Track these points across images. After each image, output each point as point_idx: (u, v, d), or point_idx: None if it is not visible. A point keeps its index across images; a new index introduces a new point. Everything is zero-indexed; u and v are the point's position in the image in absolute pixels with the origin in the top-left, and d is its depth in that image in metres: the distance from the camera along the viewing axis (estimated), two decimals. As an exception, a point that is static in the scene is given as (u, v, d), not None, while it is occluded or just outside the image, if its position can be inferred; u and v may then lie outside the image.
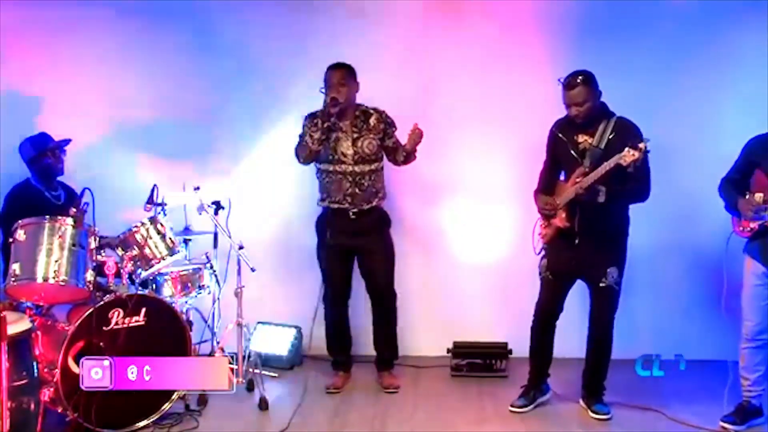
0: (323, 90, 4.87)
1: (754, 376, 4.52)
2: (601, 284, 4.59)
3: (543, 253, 4.75)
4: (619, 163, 4.31)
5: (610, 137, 4.48)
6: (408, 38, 5.66)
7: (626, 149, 4.29)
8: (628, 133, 4.46)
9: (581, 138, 4.55)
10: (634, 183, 4.46)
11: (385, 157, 5.04)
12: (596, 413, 4.70)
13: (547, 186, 4.71)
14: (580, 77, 4.47)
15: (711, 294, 5.40)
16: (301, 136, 4.94)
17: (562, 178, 4.71)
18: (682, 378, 5.28)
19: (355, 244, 5.03)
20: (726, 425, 4.51)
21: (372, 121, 4.98)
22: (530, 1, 5.62)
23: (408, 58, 5.66)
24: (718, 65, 5.50)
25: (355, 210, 4.95)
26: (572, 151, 4.56)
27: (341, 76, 4.88)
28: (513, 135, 5.51)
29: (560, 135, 4.63)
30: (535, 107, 5.28)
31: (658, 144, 5.51)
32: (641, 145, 4.30)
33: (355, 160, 4.92)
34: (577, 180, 4.47)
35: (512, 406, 4.78)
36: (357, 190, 4.94)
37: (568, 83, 4.48)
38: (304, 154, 4.91)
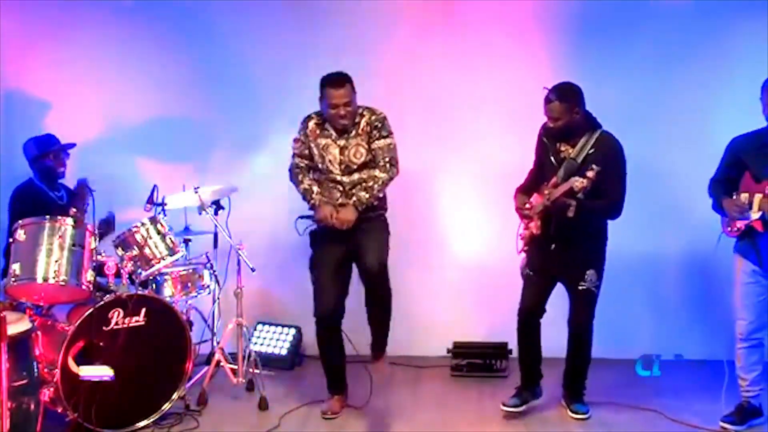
0: (323, 105, 4.58)
1: (752, 376, 4.51)
2: (579, 287, 4.57)
3: (524, 253, 4.75)
4: (571, 187, 4.31)
5: (590, 152, 4.46)
6: (407, 40, 5.67)
7: (568, 174, 4.34)
8: (607, 151, 4.45)
9: (563, 147, 4.55)
10: (606, 201, 4.46)
11: None
12: (575, 413, 4.72)
13: (530, 186, 4.70)
14: (556, 93, 4.44)
15: (707, 294, 5.41)
16: (294, 146, 4.75)
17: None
18: (682, 378, 5.30)
19: (350, 245, 4.63)
20: (726, 425, 4.51)
21: (362, 123, 4.62)
22: (529, 1, 5.63)
23: (407, 60, 5.67)
24: (717, 65, 5.51)
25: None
26: (552, 158, 4.56)
27: (346, 94, 4.53)
28: (513, 135, 5.51)
29: (545, 140, 4.63)
30: (534, 107, 5.27)
31: (656, 143, 5.56)
32: (590, 174, 4.28)
33: (342, 170, 4.62)
34: (546, 192, 4.46)
35: (504, 405, 4.74)
36: (348, 201, 4.60)
37: (547, 96, 4.46)
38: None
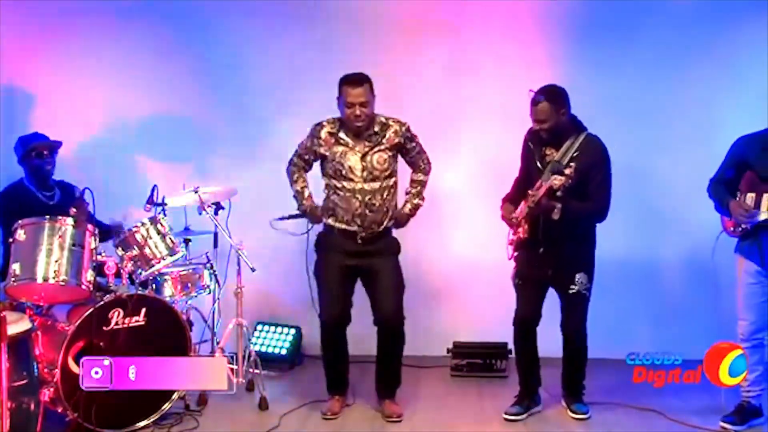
0: (340, 103, 4.57)
1: (752, 377, 4.50)
2: (570, 291, 4.56)
3: (514, 260, 4.73)
4: (550, 186, 4.31)
5: (574, 154, 4.44)
6: (406, 41, 5.67)
7: (553, 174, 4.32)
8: (591, 154, 4.44)
9: (549, 151, 4.53)
10: (591, 204, 4.45)
11: (397, 173, 4.73)
12: (575, 413, 4.72)
13: (516, 195, 4.67)
14: (544, 95, 4.42)
15: (707, 294, 5.41)
16: (300, 146, 4.74)
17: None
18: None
19: (360, 264, 4.66)
20: (726, 425, 4.51)
21: (389, 134, 4.62)
22: (529, 2, 5.63)
23: (407, 61, 5.67)
24: (717, 66, 5.51)
25: (363, 234, 4.61)
26: (538, 163, 4.54)
27: (363, 93, 4.51)
28: (512, 135, 5.49)
29: (530, 144, 4.61)
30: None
31: (654, 144, 5.56)
32: (567, 171, 4.28)
33: (365, 177, 4.58)
34: (531, 194, 4.45)
35: (506, 413, 4.73)
36: (367, 211, 4.58)
37: (534, 99, 4.45)
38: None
